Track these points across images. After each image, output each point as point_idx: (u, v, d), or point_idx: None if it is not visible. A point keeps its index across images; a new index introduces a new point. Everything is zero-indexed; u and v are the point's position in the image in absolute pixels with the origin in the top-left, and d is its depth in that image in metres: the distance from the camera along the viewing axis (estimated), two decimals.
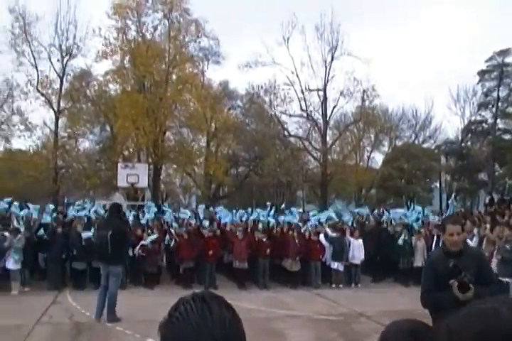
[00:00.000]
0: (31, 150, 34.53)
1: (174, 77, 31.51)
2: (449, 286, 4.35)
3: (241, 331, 1.36)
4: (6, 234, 13.03)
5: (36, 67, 31.25)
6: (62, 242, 13.71)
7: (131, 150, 34.55)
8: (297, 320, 10.51)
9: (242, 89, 38.97)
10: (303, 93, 35.74)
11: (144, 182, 22.89)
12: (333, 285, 15.02)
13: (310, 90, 35.60)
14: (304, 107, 36.14)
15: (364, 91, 35.39)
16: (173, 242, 14.97)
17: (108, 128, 34.57)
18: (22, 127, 31.97)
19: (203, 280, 14.27)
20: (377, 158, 43.58)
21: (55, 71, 31.70)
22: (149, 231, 15.13)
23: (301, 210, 24.41)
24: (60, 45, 31.48)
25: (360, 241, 15.49)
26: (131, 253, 14.09)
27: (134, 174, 21.91)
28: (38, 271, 14.52)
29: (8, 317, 9.90)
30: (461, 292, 4.27)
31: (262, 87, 36.95)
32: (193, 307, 1.31)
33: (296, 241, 14.85)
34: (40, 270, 14.52)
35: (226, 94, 39.31)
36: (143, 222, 16.60)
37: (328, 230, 15.66)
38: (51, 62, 31.56)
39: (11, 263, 12.72)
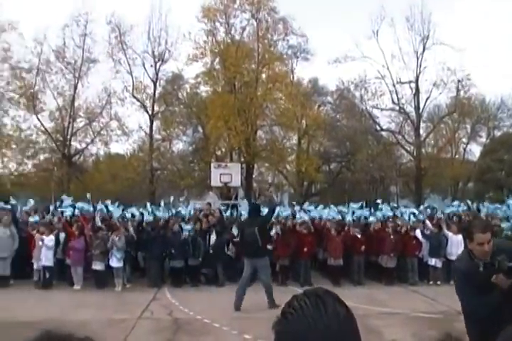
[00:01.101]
0: (128, 154, 36.07)
1: (264, 76, 31.76)
2: (493, 287, 3.66)
3: (355, 326, 1.35)
4: (109, 234, 13.72)
5: (131, 74, 32.64)
6: (160, 241, 14.16)
7: (223, 150, 35.20)
8: (394, 317, 10.32)
9: (331, 85, 38.79)
10: (394, 86, 35.05)
11: (236, 181, 23.24)
12: (431, 282, 14.62)
13: (401, 83, 34.88)
14: (395, 100, 35.45)
15: (459, 81, 34.24)
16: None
17: (200, 129, 35.37)
18: (119, 132, 33.47)
19: (298, 277, 14.31)
20: (475, 150, 41.92)
21: (149, 76, 32.94)
22: None
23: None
24: (153, 51, 32.68)
25: (460, 236, 14.92)
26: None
27: (227, 173, 22.31)
28: (138, 269, 15.14)
29: (114, 312, 10.47)
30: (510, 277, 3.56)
31: (352, 82, 36.55)
32: (307, 303, 1.32)
33: (392, 237, 14.58)
34: (140, 268, 15.13)
35: (316, 91, 39.22)
36: None
37: (429, 224, 15.24)
38: (145, 68, 32.86)
39: (115, 262, 13.33)
